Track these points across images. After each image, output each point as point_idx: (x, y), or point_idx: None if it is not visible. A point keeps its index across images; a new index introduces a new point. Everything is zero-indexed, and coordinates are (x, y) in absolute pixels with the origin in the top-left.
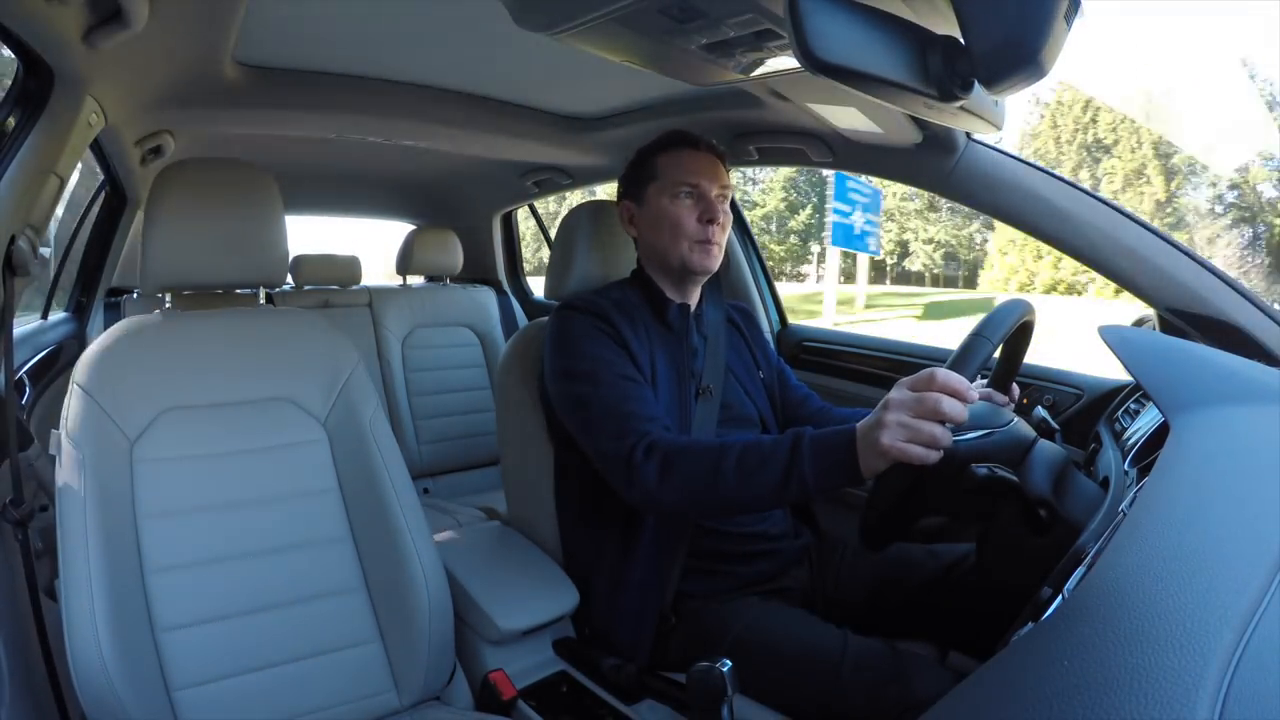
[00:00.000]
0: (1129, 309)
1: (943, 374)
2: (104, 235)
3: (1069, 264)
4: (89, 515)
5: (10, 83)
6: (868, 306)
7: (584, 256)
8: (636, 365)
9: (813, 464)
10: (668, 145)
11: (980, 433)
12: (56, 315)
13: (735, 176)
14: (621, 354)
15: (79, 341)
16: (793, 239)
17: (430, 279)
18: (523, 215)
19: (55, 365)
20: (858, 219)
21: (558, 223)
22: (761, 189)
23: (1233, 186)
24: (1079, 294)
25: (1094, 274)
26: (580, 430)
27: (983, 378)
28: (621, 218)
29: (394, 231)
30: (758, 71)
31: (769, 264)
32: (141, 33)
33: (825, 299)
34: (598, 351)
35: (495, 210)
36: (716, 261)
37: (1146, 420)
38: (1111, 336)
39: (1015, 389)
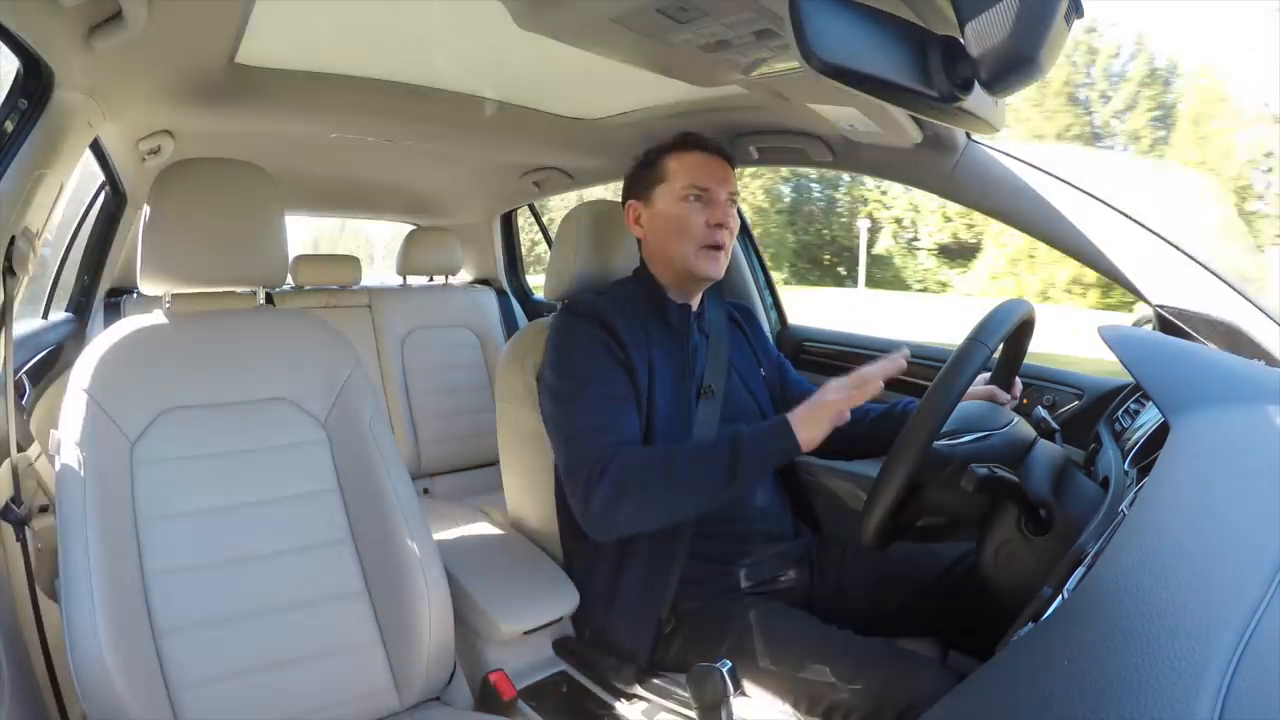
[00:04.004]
0: None
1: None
2: (104, 235)
3: None
4: (89, 516)
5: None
6: None
7: (583, 257)
8: (632, 374)
9: (754, 447)
10: (678, 147)
11: (980, 433)
12: (56, 315)
13: None
14: (615, 368)
15: (79, 341)
16: None
17: (430, 279)
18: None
19: (55, 365)
20: None
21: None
22: None
23: None
24: None
25: None
26: (553, 445)
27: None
28: (627, 217)
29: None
30: (758, 71)
31: None
32: (141, 33)
33: None
34: (588, 370)
35: (495, 210)
36: (722, 269)
37: (1146, 420)
38: (1111, 336)
39: (1018, 384)
